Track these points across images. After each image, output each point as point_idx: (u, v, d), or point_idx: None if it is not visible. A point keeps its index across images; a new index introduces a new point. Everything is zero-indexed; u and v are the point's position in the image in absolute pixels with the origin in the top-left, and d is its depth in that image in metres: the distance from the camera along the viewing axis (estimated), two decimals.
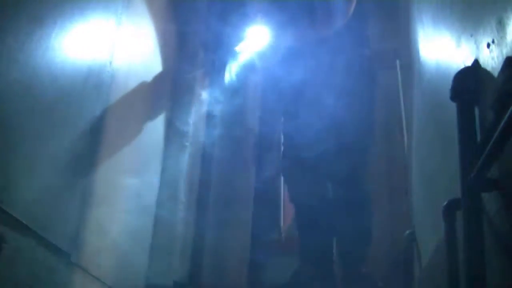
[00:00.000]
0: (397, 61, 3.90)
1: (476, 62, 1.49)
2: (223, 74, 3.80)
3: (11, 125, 1.65)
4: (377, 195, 3.81)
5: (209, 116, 3.64)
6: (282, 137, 4.01)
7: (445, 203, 1.68)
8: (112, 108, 2.48)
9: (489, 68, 1.40)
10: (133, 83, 2.83)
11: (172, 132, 3.31)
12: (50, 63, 1.88)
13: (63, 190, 2.04)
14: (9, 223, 1.62)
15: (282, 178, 4.26)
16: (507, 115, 1.07)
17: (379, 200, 3.84)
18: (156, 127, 3.19)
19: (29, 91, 1.74)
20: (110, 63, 2.45)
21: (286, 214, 4.33)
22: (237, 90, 4.03)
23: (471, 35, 1.57)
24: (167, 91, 3.38)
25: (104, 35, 2.39)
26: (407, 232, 3.01)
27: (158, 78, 3.20)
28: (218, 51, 3.78)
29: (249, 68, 4.05)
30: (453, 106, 1.55)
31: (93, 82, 2.27)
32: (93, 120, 2.29)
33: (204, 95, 3.62)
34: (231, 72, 3.90)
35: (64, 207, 2.04)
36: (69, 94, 2.05)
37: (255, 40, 3.86)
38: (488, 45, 1.39)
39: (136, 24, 2.85)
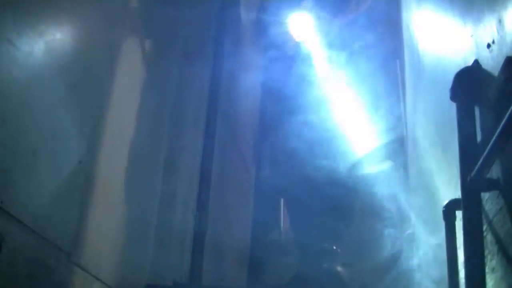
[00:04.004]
0: (397, 61, 3.89)
1: (476, 62, 1.49)
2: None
3: (11, 125, 1.65)
4: (377, 194, 3.82)
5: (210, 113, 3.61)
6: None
7: (445, 203, 1.68)
8: (113, 105, 2.48)
9: (489, 68, 1.39)
10: (134, 82, 2.83)
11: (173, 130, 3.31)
12: (50, 63, 1.88)
13: (63, 191, 2.04)
14: (9, 223, 1.62)
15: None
16: (507, 115, 1.07)
17: (379, 199, 3.85)
18: (157, 126, 3.19)
19: (29, 91, 1.74)
20: (111, 61, 2.45)
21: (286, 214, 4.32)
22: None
23: (471, 35, 1.57)
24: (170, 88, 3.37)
25: (104, 34, 2.39)
26: (407, 232, 3.00)
27: (161, 75, 3.20)
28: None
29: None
30: (453, 106, 1.55)
31: (94, 80, 2.27)
32: (95, 119, 2.29)
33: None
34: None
35: (64, 207, 2.04)
36: (69, 93, 2.05)
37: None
38: (488, 45, 1.39)
39: (138, 23, 2.85)
